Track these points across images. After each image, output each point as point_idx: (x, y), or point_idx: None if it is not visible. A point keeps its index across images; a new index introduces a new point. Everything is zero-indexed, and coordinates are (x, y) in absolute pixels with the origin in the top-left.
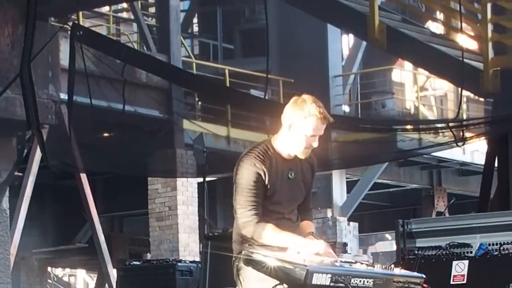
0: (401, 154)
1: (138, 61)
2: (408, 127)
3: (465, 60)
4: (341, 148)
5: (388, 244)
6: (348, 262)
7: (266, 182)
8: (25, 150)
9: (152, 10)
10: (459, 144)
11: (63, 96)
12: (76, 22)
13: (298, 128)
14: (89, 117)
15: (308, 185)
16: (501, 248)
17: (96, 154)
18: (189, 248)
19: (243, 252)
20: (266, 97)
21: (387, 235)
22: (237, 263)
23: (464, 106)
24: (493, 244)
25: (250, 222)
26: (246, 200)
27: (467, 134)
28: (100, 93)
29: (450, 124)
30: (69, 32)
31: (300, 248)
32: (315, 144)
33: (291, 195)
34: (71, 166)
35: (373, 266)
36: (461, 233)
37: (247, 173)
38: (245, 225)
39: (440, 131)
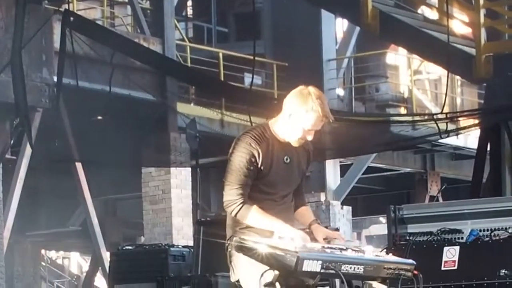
0: (393, 143)
1: (128, 49)
2: (401, 115)
3: (457, 46)
4: (335, 138)
5: (382, 227)
6: (339, 248)
7: (260, 164)
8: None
9: None
10: (443, 136)
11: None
12: (68, 8)
13: (297, 119)
14: (82, 101)
15: (303, 171)
16: (492, 234)
17: (89, 142)
18: (182, 231)
19: (234, 238)
20: (260, 81)
21: (381, 218)
22: (229, 249)
23: (458, 89)
24: (484, 230)
25: (235, 201)
26: (236, 179)
27: (462, 123)
28: (96, 77)
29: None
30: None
31: (281, 233)
32: (310, 138)
33: (285, 179)
34: (61, 157)
35: (364, 252)
36: (453, 219)
37: (241, 152)
38: (230, 204)
39: (424, 123)
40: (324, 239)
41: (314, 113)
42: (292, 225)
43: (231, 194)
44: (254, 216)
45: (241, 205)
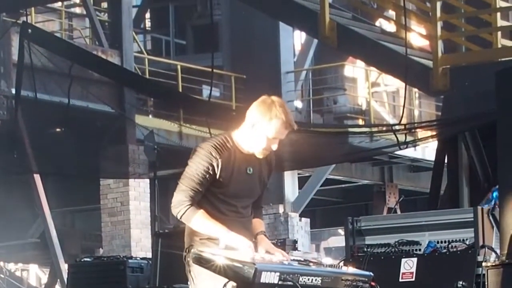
0: (352, 155)
1: (87, 61)
2: (359, 126)
3: (414, 58)
4: (293, 149)
5: (340, 239)
6: (297, 260)
7: (218, 174)
8: None
9: (105, 5)
10: (402, 147)
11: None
12: (26, 20)
13: (261, 128)
14: (41, 113)
15: (264, 182)
16: (449, 245)
17: (47, 154)
18: (141, 243)
19: (192, 250)
20: (219, 94)
21: (340, 230)
22: (188, 258)
23: (416, 102)
24: (441, 242)
25: (183, 203)
26: (189, 184)
27: (420, 135)
28: (54, 89)
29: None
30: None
31: (225, 240)
32: (275, 147)
33: (247, 190)
34: (19, 169)
35: (322, 264)
36: (410, 230)
37: (200, 159)
38: (177, 205)
39: (382, 134)
40: (266, 252)
41: (278, 120)
42: (249, 237)
43: (180, 196)
44: (198, 220)
45: (187, 207)
